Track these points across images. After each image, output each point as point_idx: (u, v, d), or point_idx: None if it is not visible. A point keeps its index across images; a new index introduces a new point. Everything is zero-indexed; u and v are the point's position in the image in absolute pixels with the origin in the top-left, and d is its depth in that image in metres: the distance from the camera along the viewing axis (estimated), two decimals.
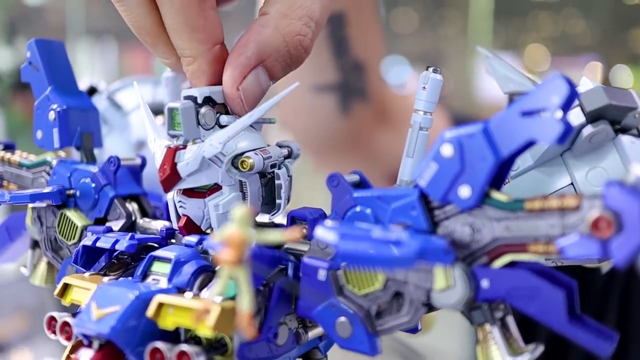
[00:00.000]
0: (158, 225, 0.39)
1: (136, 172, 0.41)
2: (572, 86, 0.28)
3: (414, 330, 0.33)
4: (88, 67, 3.69)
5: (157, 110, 0.46)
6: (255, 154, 0.35)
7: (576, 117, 0.33)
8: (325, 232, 0.29)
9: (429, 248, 0.28)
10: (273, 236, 0.27)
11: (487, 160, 0.29)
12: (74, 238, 0.40)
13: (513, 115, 0.28)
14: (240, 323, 0.25)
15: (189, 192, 0.35)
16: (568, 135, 0.28)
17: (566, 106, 0.28)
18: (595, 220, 0.26)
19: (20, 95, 2.76)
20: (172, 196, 0.36)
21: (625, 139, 0.33)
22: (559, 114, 0.27)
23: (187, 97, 0.34)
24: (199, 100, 0.34)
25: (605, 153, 0.34)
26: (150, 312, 0.30)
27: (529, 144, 0.28)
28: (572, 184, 0.34)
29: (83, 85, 0.48)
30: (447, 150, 0.29)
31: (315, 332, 0.35)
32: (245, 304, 0.26)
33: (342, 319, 0.32)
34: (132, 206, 0.40)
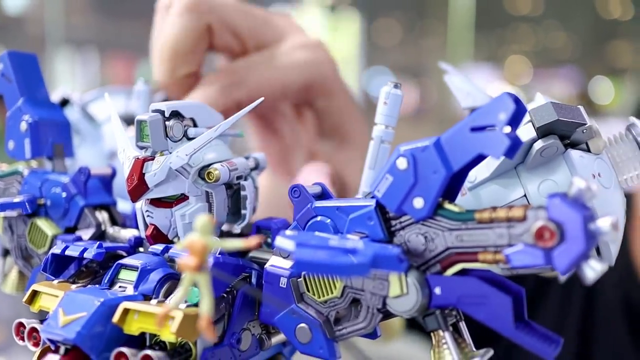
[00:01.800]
0: (127, 234, 0.40)
1: (107, 182, 0.42)
2: (519, 104, 0.29)
3: (373, 336, 0.35)
4: (68, 77, 3.68)
5: (129, 121, 0.47)
6: (222, 165, 0.36)
7: (527, 132, 0.34)
8: (283, 241, 0.30)
9: (383, 256, 0.29)
10: (233, 244, 0.28)
11: (439, 173, 0.30)
12: (44, 246, 0.40)
13: (463, 130, 0.30)
14: (201, 326, 0.26)
15: (157, 202, 0.36)
16: (515, 150, 0.30)
17: (513, 122, 0.29)
18: (539, 230, 0.28)
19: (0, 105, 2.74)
20: (140, 206, 0.37)
21: (574, 153, 0.35)
22: (506, 129, 0.29)
23: (155, 111, 0.35)
24: (167, 114, 0.35)
25: (556, 167, 0.35)
26: (115, 318, 0.31)
27: (479, 158, 0.30)
28: (525, 195, 0.35)
29: (56, 96, 0.48)
30: (402, 164, 0.31)
31: (278, 338, 0.36)
32: (206, 308, 0.27)
33: (302, 325, 0.33)
34: (102, 215, 0.41)
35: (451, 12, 4.24)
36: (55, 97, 0.48)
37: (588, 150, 0.35)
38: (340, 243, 0.30)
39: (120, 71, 3.62)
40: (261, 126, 0.57)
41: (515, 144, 0.29)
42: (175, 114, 0.36)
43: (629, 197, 1.01)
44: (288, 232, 0.31)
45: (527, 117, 0.35)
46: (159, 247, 0.34)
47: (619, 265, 0.94)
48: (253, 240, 0.27)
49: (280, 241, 0.30)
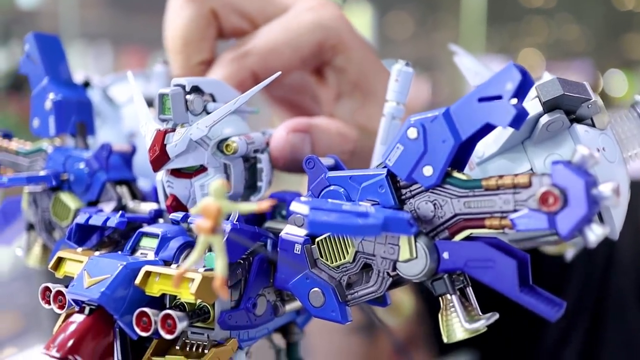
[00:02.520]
0: (147, 207, 0.41)
1: (127, 159, 0.43)
2: (525, 75, 0.30)
3: (383, 304, 0.36)
4: (82, 70, 3.70)
5: (148, 103, 0.49)
6: (240, 138, 0.37)
7: (534, 107, 0.36)
8: (299, 206, 0.31)
9: (394, 219, 0.30)
10: (246, 207, 0.29)
11: (448, 142, 0.31)
12: (67, 219, 0.42)
13: (471, 101, 0.31)
14: (215, 285, 0.28)
15: (177, 173, 0.37)
16: (521, 120, 0.31)
17: (519, 93, 0.31)
18: (544, 195, 0.29)
19: (15, 98, 2.77)
20: (160, 177, 0.38)
21: (579, 127, 0.36)
22: (513, 100, 0.30)
23: (177, 85, 0.37)
24: (187, 89, 0.37)
25: (562, 141, 0.36)
26: (138, 280, 0.33)
27: (486, 128, 0.31)
28: (531, 169, 0.37)
29: (77, 79, 0.50)
30: (412, 133, 0.32)
31: (292, 305, 0.38)
32: (220, 268, 0.28)
33: (316, 289, 0.34)
34: (123, 190, 0.43)
35: (463, 5, 4.23)
36: (77, 78, 0.50)
37: (593, 126, 0.36)
38: (353, 208, 0.31)
39: (134, 65, 3.65)
40: (285, 110, 0.57)
41: (521, 114, 0.30)
42: (196, 89, 0.37)
43: (637, 184, 1.00)
44: (303, 198, 0.32)
45: (534, 93, 0.36)
46: (178, 215, 0.36)
47: (633, 250, 0.94)
48: (265, 204, 0.28)
49: (296, 206, 0.31)
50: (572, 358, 0.89)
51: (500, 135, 0.37)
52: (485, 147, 0.38)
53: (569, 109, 0.36)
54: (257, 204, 0.29)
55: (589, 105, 0.35)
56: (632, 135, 0.38)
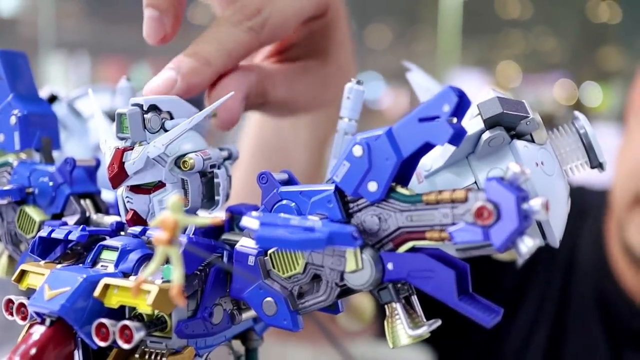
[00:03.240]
0: (110, 220, 0.43)
1: (91, 172, 0.45)
2: (462, 97, 0.32)
3: (335, 311, 0.38)
4: (61, 80, 3.69)
5: (114, 117, 0.50)
6: (196, 155, 0.39)
7: (477, 123, 0.38)
8: (249, 221, 0.33)
9: (339, 233, 0.32)
10: (201, 221, 0.31)
11: (391, 159, 0.33)
12: (32, 232, 0.43)
13: (412, 121, 0.33)
14: (172, 292, 0.29)
15: (136, 189, 0.39)
16: (459, 138, 0.33)
17: (457, 113, 0.33)
18: (479, 210, 0.31)
19: None
20: (120, 192, 0.40)
21: (519, 143, 0.38)
22: (451, 120, 0.32)
23: (135, 105, 0.39)
24: (145, 107, 0.38)
25: (503, 156, 0.38)
26: (97, 292, 0.34)
27: (426, 146, 0.33)
28: (475, 182, 0.39)
29: (44, 93, 0.51)
30: (358, 151, 0.34)
31: (248, 314, 0.39)
32: (177, 277, 0.30)
33: (269, 299, 0.36)
34: (87, 203, 0.44)
35: (440, 18, 4.28)
36: (43, 93, 0.51)
37: (532, 141, 0.39)
38: (300, 222, 0.33)
39: (113, 74, 3.65)
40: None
41: (458, 132, 0.32)
42: (153, 108, 0.39)
43: (604, 194, 1.03)
44: (254, 213, 0.34)
45: (476, 110, 0.38)
46: (137, 229, 0.37)
47: (593, 259, 0.97)
48: (218, 217, 0.30)
49: (246, 221, 0.33)
50: None
51: (446, 150, 0.39)
52: (433, 161, 0.40)
53: (509, 125, 0.38)
54: (211, 218, 0.31)
55: (527, 122, 0.38)
56: (571, 150, 0.40)
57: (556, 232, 0.39)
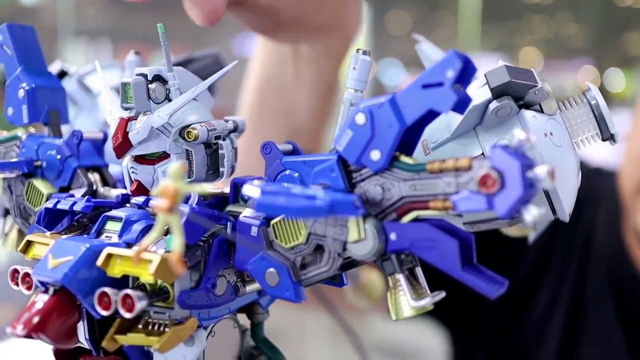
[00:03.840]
0: (117, 193, 0.43)
1: (98, 146, 0.45)
2: (467, 62, 0.32)
3: (339, 284, 0.38)
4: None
5: None
6: (201, 125, 0.39)
7: (484, 93, 0.37)
8: (251, 189, 0.33)
9: (340, 201, 0.32)
10: (201, 188, 0.31)
11: (394, 127, 0.33)
12: (40, 205, 0.43)
13: (415, 87, 0.32)
14: (171, 260, 0.29)
15: (140, 159, 0.39)
16: (464, 105, 0.32)
17: (462, 80, 0.32)
18: (483, 178, 0.30)
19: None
20: (126, 163, 0.40)
21: (527, 113, 0.37)
22: (456, 87, 0.31)
23: (139, 75, 0.38)
24: (149, 77, 0.38)
25: (511, 126, 0.37)
26: (99, 261, 0.34)
27: (430, 113, 0.32)
28: (482, 153, 0.38)
29: (54, 68, 0.51)
30: (360, 119, 0.33)
31: (253, 286, 0.39)
32: (177, 245, 0.29)
33: (271, 269, 0.35)
34: (94, 176, 0.44)
35: (461, 3, 4.24)
36: (53, 69, 0.51)
37: (541, 111, 0.38)
38: (302, 191, 0.32)
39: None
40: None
41: (462, 99, 0.32)
42: (158, 78, 0.39)
43: (615, 175, 1.02)
44: (256, 182, 0.34)
45: (484, 80, 0.37)
46: (141, 199, 0.37)
47: (609, 245, 0.96)
48: (218, 185, 0.30)
49: (248, 189, 0.33)
50: (550, 352, 0.90)
51: (452, 120, 0.38)
52: (439, 132, 0.39)
53: (517, 95, 0.37)
54: (211, 186, 0.31)
55: (536, 92, 0.37)
56: (582, 122, 0.39)
57: (565, 206, 0.38)
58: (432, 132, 0.38)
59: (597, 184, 0.96)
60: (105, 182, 0.44)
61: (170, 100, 0.39)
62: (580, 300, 0.91)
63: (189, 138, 0.38)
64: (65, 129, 0.47)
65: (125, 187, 0.42)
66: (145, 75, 0.38)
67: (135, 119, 0.38)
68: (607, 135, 0.39)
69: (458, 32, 4.29)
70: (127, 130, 0.38)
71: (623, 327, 0.89)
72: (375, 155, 0.33)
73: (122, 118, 0.38)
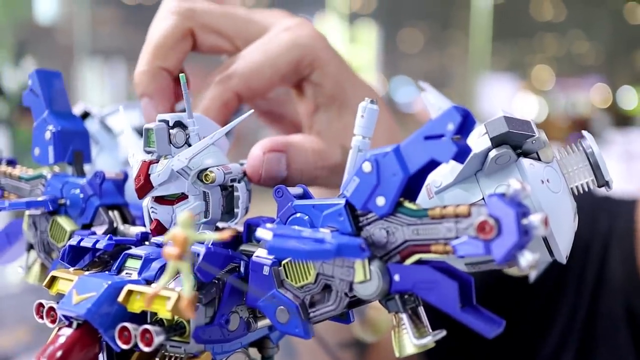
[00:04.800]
0: (136, 230, 0.45)
1: (119, 185, 0.47)
2: (466, 115, 0.34)
3: (346, 321, 0.40)
4: (97, 87, 3.77)
5: (141, 132, 0.53)
6: (218, 169, 0.41)
7: (484, 142, 0.39)
8: (264, 232, 0.35)
9: (347, 245, 0.34)
10: (209, 236, 0.33)
11: (398, 175, 0.35)
12: (63, 241, 0.46)
13: (418, 139, 0.34)
14: (181, 304, 0.31)
15: (160, 200, 0.41)
16: (464, 155, 0.35)
17: (462, 131, 0.34)
18: (481, 224, 0.32)
19: (27, 115, 2.83)
20: (146, 203, 0.42)
21: (525, 161, 0.39)
22: (456, 138, 0.34)
23: (162, 120, 0.41)
24: (171, 124, 0.41)
25: (509, 173, 0.39)
26: (121, 297, 0.37)
27: (432, 163, 0.34)
28: (483, 199, 0.40)
29: (77, 109, 0.54)
30: (367, 167, 0.36)
31: (264, 322, 0.41)
32: (187, 290, 0.32)
33: (282, 307, 0.38)
34: (115, 214, 0.46)
35: (473, 23, 4.26)
36: (76, 110, 0.54)
37: (539, 159, 0.40)
38: (311, 234, 0.35)
39: None
40: (270, 121, 0.62)
41: (462, 150, 0.34)
42: (179, 124, 0.41)
43: (632, 204, 1.02)
44: (268, 225, 0.36)
45: (484, 129, 0.39)
46: (160, 238, 0.40)
47: (623, 274, 0.95)
48: (225, 233, 0.32)
49: (261, 232, 0.35)
50: None
51: (455, 167, 0.40)
52: (443, 177, 0.41)
53: (516, 144, 0.39)
54: (219, 233, 0.33)
55: (533, 141, 0.39)
56: (578, 169, 0.41)
57: (562, 248, 0.40)
58: (436, 177, 0.40)
59: (608, 212, 0.96)
60: (125, 220, 0.47)
61: (189, 145, 0.41)
62: (593, 332, 0.92)
63: (207, 181, 0.40)
64: (87, 168, 0.50)
65: (144, 225, 0.44)
66: (167, 122, 0.41)
67: (157, 162, 0.40)
68: (602, 182, 0.41)
69: (469, 50, 4.31)
70: (149, 172, 0.40)
71: (638, 358, 0.89)
72: (380, 201, 0.35)
73: (145, 161, 0.40)
